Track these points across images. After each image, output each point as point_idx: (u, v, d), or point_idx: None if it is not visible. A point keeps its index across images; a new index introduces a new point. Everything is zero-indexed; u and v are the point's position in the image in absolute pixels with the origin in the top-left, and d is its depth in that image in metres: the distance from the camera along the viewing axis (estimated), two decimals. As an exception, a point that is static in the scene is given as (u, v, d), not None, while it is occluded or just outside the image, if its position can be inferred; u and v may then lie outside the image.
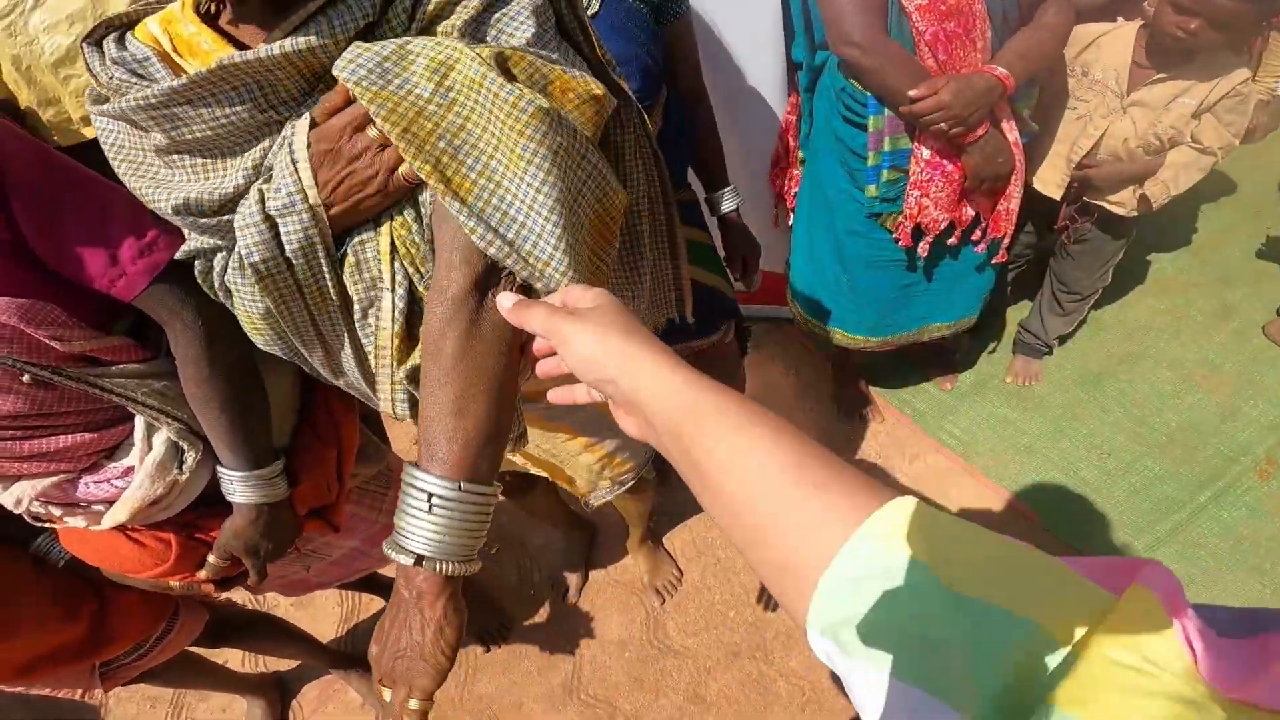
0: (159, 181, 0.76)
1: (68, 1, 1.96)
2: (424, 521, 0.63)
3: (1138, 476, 1.98)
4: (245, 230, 0.71)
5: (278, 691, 1.96)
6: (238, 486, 0.99)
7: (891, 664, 0.33)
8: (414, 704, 0.63)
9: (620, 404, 0.53)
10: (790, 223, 1.84)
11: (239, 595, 1.90)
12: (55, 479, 0.95)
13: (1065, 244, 1.91)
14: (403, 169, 0.68)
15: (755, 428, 0.44)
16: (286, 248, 0.71)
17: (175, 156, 0.75)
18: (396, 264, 0.74)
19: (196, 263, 0.81)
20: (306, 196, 0.69)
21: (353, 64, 0.65)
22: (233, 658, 1.95)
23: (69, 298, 0.85)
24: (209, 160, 0.74)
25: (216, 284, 0.80)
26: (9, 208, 0.79)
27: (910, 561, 0.35)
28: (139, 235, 0.84)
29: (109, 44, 0.76)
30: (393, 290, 0.74)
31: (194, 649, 1.50)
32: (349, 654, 1.92)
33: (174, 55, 0.74)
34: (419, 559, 0.62)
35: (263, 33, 0.70)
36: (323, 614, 2.06)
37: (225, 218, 0.73)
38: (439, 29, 0.69)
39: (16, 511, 0.97)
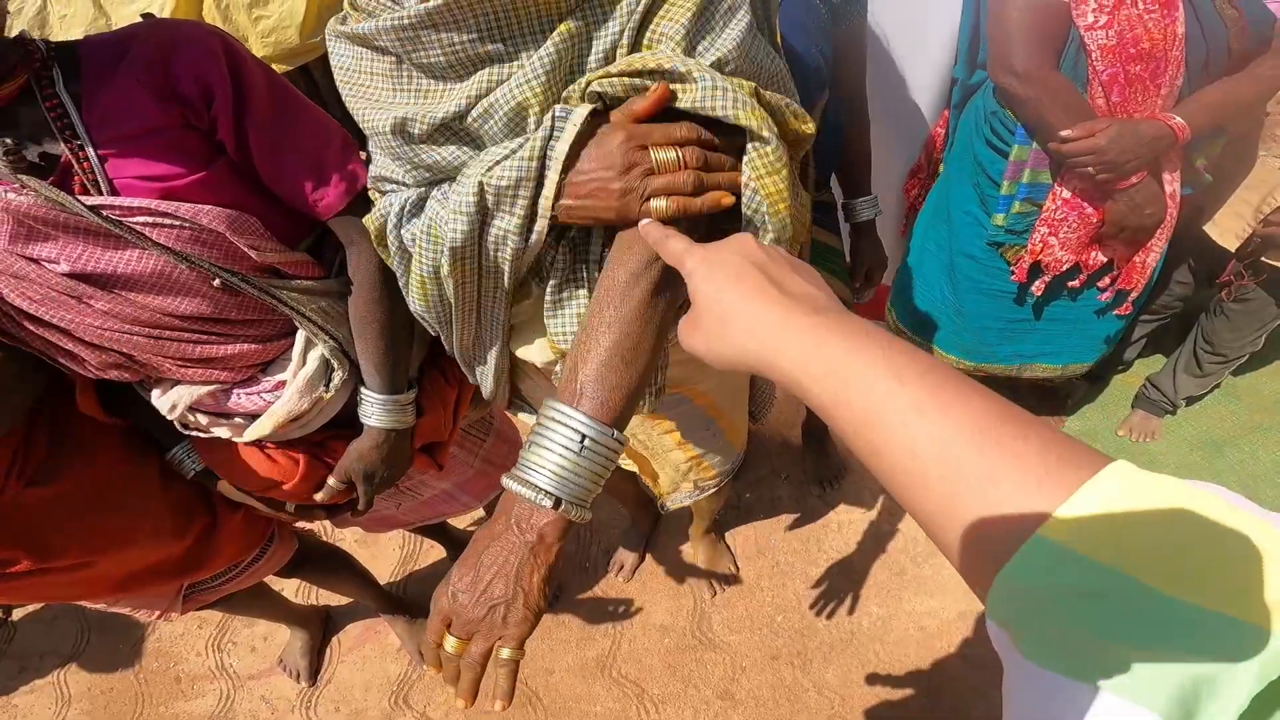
0: (381, 103, 0.80)
1: None
2: (567, 462, 0.61)
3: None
4: (456, 216, 0.73)
5: (321, 626, 2.03)
6: (375, 409, 1.05)
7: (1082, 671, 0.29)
8: (507, 653, 0.60)
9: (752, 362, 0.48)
10: (914, 234, 1.83)
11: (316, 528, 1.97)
12: (211, 387, 1.01)
13: (1223, 301, 1.80)
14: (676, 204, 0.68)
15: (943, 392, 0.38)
16: (490, 235, 0.74)
17: (404, 79, 0.78)
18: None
19: (373, 218, 0.85)
20: (539, 201, 0.70)
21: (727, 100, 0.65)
22: (287, 587, 2.02)
23: (268, 212, 0.92)
24: (432, 83, 0.77)
25: (391, 240, 0.84)
26: (245, 131, 0.86)
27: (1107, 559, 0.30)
28: (344, 162, 0.91)
29: None
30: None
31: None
32: (399, 598, 1.98)
33: None
34: (557, 501, 0.61)
35: None
36: (383, 555, 2.13)
37: (435, 154, 0.77)
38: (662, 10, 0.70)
39: (169, 416, 1.02)
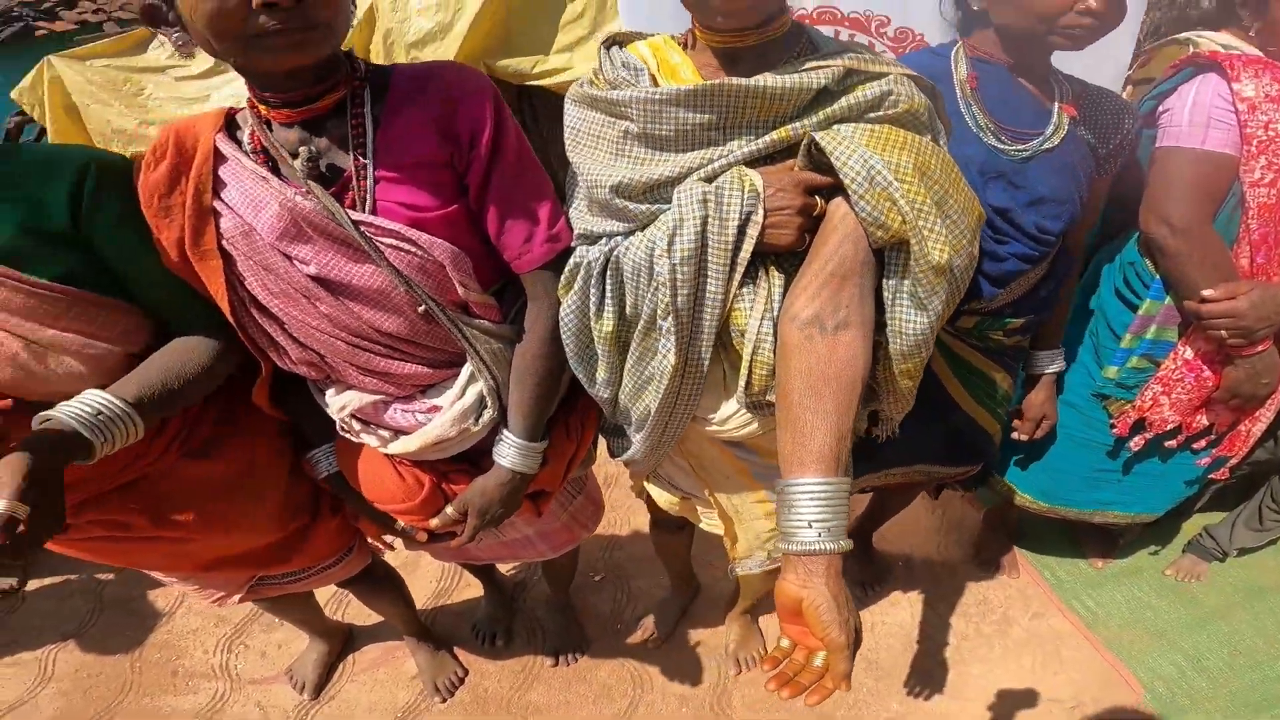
0: (605, 164, 0.93)
1: None
2: (841, 510, 0.77)
3: (1264, 674, 1.97)
4: (683, 225, 0.87)
5: (341, 643, 2.05)
6: (512, 451, 1.11)
7: None
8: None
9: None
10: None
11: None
12: (377, 398, 1.08)
13: None
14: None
15: None
16: (711, 242, 0.87)
17: (626, 146, 0.92)
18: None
19: (570, 267, 0.99)
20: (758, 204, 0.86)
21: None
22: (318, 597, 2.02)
23: (478, 254, 1.01)
24: (648, 152, 0.91)
25: (593, 289, 0.97)
26: (489, 180, 0.96)
27: None
28: (552, 222, 1.01)
29: (614, 51, 0.95)
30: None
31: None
32: (427, 628, 1.98)
33: (657, 74, 0.93)
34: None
35: (721, 72, 0.90)
36: (419, 584, 2.15)
37: (639, 206, 0.91)
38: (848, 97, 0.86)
39: (337, 416, 1.09)
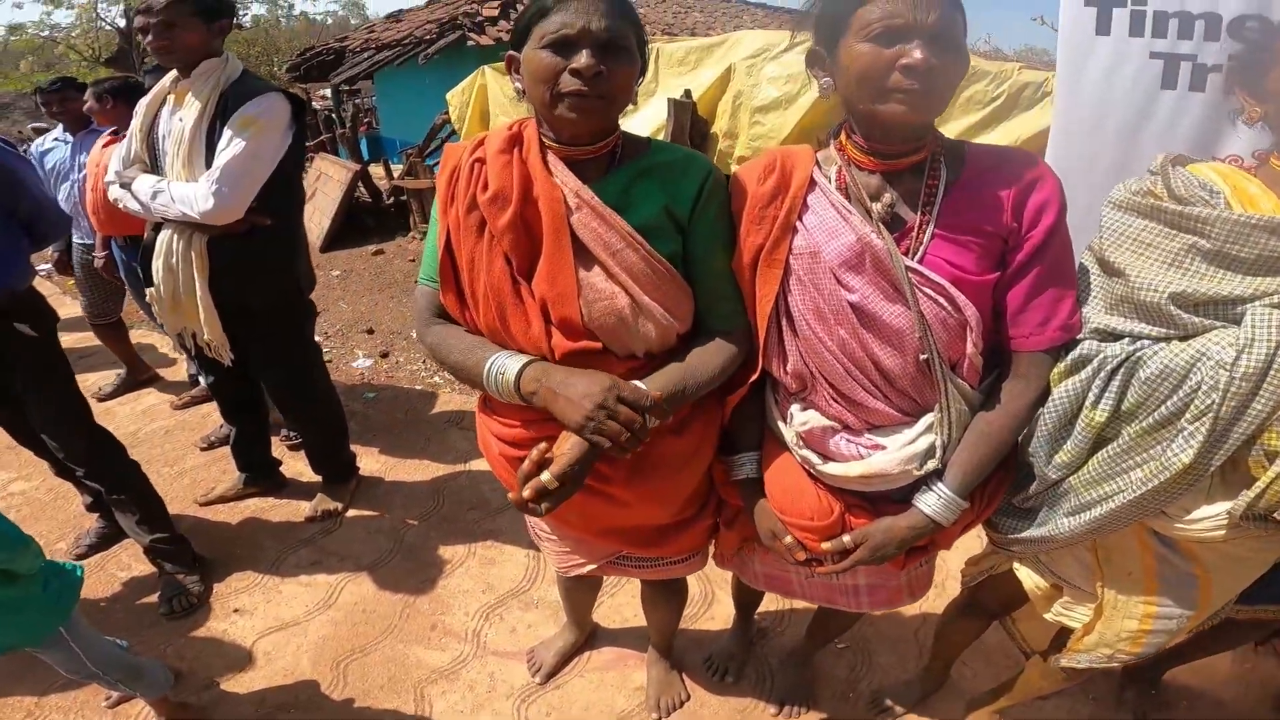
0: (1156, 272, 1.01)
1: (794, 63, 2.49)
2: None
3: None
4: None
5: (586, 638, 2.17)
6: (939, 502, 1.18)
7: None
8: None
9: None
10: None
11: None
12: (831, 424, 1.19)
13: None
14: None
15: None
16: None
17: (1185, 260, 0.99)
18: None
19: (1080, 357, 1.07)
20: None
21: None
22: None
23: (986, 323, 1.11)
24: (1211, 269, 0.98)
25: (1097, 382, 1.05)
26: (1031, 264, 1.07)
27: None
28: (1071, 312, 1.11)
29: (1178, 169, 1.04)
30: None
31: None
32: (672, 644, 2.05)
33: (1231, 199, 1.01)
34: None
35: None
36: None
37: (1191, 317, 0.97)
38: None
39: (796, 429, 1.22)
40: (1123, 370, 1.03)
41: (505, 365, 1.13)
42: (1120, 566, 1.23)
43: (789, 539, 1.33)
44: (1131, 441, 1.05)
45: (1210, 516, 1.05)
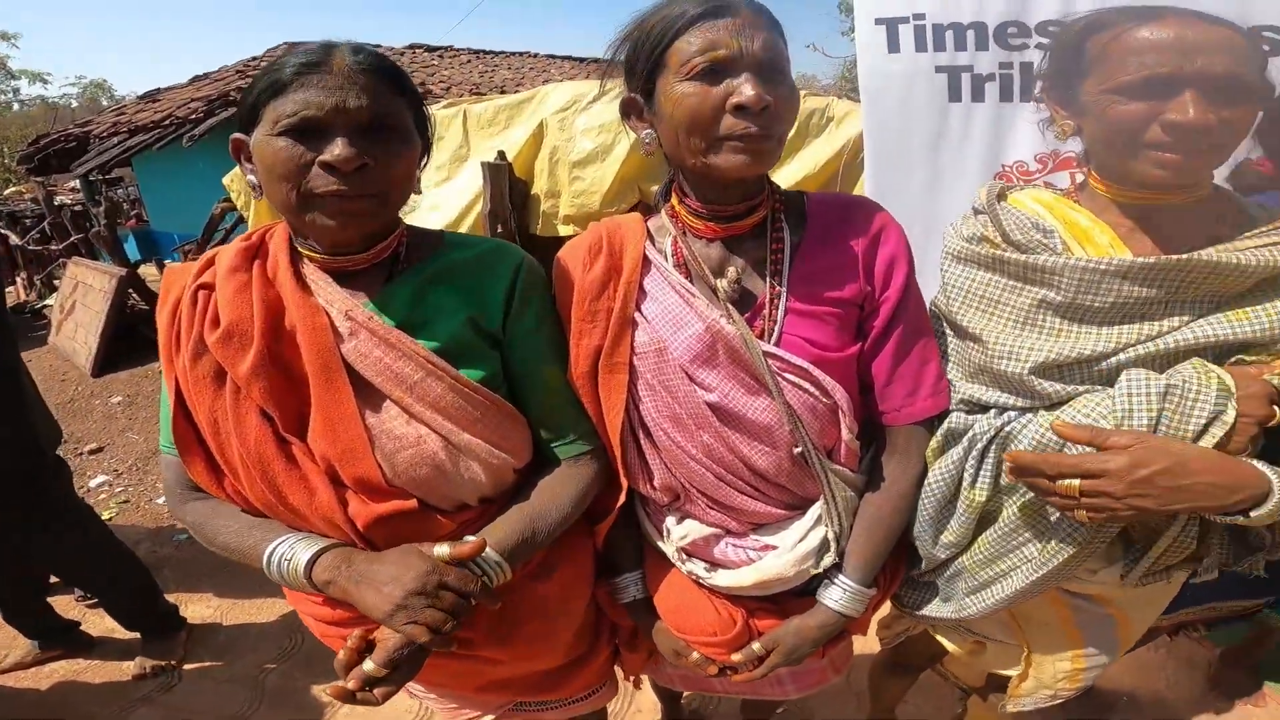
0: (1010, 333, 0.92)
1: (606, 112, 2.38)
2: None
3: None
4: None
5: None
6: (845, 595, 1.07)
7: None
8: None
9: None
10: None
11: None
12: (713, 532, 1.06)
13: None
14: None
15: None
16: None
17: (1042, 314, 0.91)
18: None
19: (950, 431, 0.99)
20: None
21: None
22: None
23: (855, 402, 1.00)
24: (1073, 324, 0.89)
25: (971, 457, 0.96)
26: (890, 328, 0.96)
27: None
28: (938, 378, 1.01)
29: (1006, 207, 0.96)
30: None
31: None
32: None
33: (1066, 237, 0.93)
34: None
35: (1139, 234, 0.89)
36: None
37: (1052, 386, 0.88)
38: None
39: (675, 544, 1.08)
40: (994, 446, 0.95)
41: (292, 554, 0.88)
42: (1037, 621, 1.17)
43: (695, 655, 1.20)
44: (1017, 519, 0.97)
45: (1114, 575, 1.00)
